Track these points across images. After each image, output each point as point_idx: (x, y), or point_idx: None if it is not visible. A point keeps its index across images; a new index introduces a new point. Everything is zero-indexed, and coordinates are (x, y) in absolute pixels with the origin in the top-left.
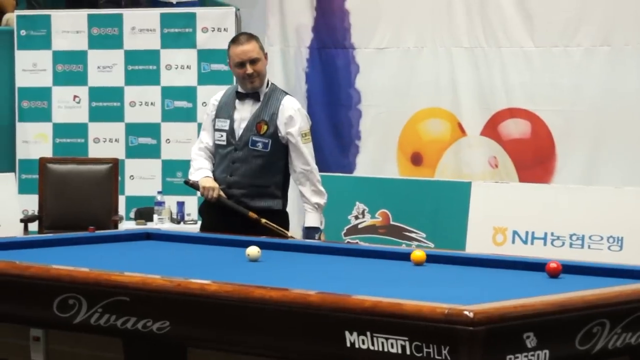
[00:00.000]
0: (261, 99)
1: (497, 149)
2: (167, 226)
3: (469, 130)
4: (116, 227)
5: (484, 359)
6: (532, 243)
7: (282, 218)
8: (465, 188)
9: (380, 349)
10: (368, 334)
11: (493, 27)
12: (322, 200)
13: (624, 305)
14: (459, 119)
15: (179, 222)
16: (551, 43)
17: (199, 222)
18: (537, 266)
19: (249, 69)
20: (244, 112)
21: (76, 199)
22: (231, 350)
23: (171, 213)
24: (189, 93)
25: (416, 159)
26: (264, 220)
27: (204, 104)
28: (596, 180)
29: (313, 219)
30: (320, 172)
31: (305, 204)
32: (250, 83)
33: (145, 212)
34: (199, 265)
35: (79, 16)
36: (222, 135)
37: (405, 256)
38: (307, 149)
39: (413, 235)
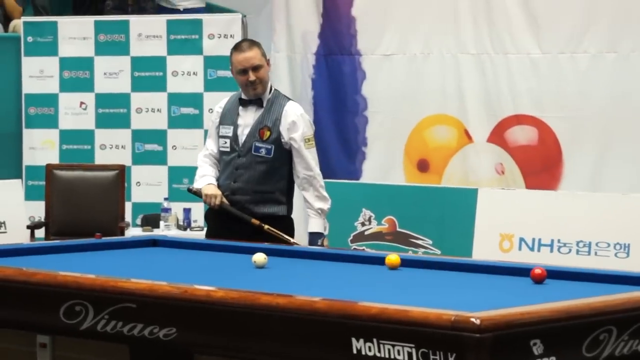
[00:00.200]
0: (264, 105)
1: (503, 155)
2: (173, 233)
3: (475, 137)
4: (123, 233)
5: None
6: (538, 250)
7: (287, 224)
8: (472, 195)
9: (387, 355)
10: (374, 340)
11: (500, 33)
12: (325, 206)
13: (631, 312)
14: (466, 125)
15: (185, 229)
16: (558, 49)
17: (205, 229)
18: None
19: (251, 76)
20: (247, 119)
21: (83, 206)
22: (237, 356)
23: (177, 219)
24: (195, 99)
25: (423, 166)
26: (266, 227)
27: (210, 111)
28: (603, 186)
29: (316, 225)
30: (326, 178)
31: (308, 210)
32: (252, 90)
33: (151, 218)
34: (205, 272)
35: (86, 23)
36: (226, 142)
37: (411, 263)
38: (310, 155)
39: (419, 242)
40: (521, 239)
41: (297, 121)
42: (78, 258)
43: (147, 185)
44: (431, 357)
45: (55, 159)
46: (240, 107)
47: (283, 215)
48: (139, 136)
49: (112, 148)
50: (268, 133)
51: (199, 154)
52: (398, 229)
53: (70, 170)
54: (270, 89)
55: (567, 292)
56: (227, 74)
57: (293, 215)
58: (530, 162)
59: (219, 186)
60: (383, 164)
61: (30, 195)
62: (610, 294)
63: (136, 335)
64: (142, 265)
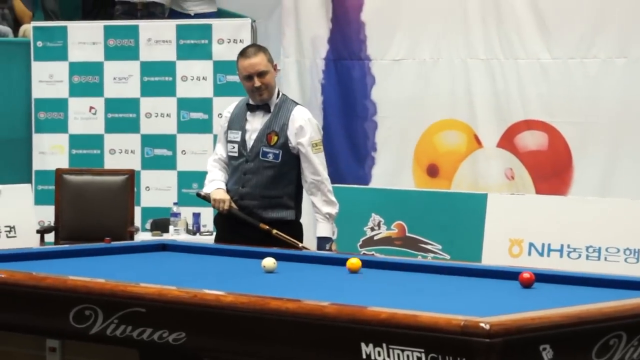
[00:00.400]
0: (272, 110)
1: (513, 160)
2: (183, 237)
3: (485, 142)
4: (132, 238)
5: None
6: (548, 255)
7: (295, 229)
8: (481, 200)
9: None
10: (384, 345)
11: (509, 38)
12: (333, 210)
13: None
14: (475, 130)
15: (194, 233)
16: (568, 55)
17: (215, 234)
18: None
19: (257, 82)
20: (255, 124)
21: (92, 210)
22: None
23: (187, 224)
24: (204, 104)
25: (432, 171)
26: (274, 231)
27: (220, 116)
28: (613, 192)
29: (324, 229)
30: (335, 183)
31: (316, 214)
32: (258, 96)
33: (161, 223)
34: (214, 277)
35: (95, 27)
36: (234, 147)
37: (420, 268)
38: (318, 159)
39: (429, 247)
40: (531, 244)
41: (304, 126)
42: (87, 262)
43: (157, 190)
44: None
45: (64, 164)
46: (248, 112)
47: (291, 220)
48: (149, 141)
49: (121, 153)
50: (275, 138)
51: (209, 159)
52: (407, 234)
53: (79, 174)
54: (278, 94)
55: (579, 297)
56: (237, 78)
57: (302, 220)
58: (540, 167)
59: (227, 191)
60: (392, 169)
61: (40, 199)
62: (620, 299)
63: (145, 340)
64: (151, 270)
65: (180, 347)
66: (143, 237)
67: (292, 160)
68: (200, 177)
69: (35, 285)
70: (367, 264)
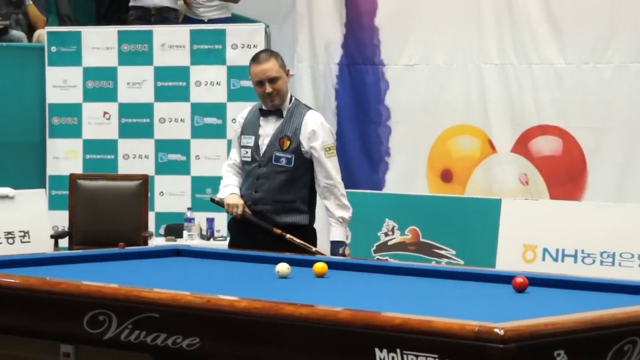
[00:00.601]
0: (284, 115)
1: (527, 166)
2: (196, 242)
3: (499, 147)
4: (146, 243)
5: None
6: (562, 260)
7: (309, 233)
8: (495, 205)
9: None
10: (398, 351)
11: (523, 43)
12: (346, 214)
13: None
14: (489, 135)
15: (208, 239)
16: (582, 60)
17: (228, 239)
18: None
19: (268, 88)
20: (267, 129)
21: (106, 216)
22: None
23: (201, 229)
24: (218, 109)
25: (446, 176)
26: (288, 236)
27: (234, 121)
28: (627, 197)
29: (337, 233)
30: (349, 188)
31: (330, 218)
32: (270, 101)
33: (175, 228)
34: (228, 282)
35: (109, 33)
36: (247, 152)
37: (435, 273)
38: (331, 163)
39: (443, 252)
40: (545, 250)
41: (317, 130)
42: (101, 268)
43: (171, 195)
44: None
45: (78, 169)
46: (261, 118)
47: (305, 224)
48: (162, 146)
49: (135, 158)
50: (288, 142)
51: (224, 164)
52: (421, 239)
53: (93, 180)
54: (291, 99)
55: (592, 303)
56: (251, 83)
57: (316, 225)
58: (555, 173)
59: (241, 196)
60: (406, 174)
61: (53, 204)
62: (635, 305)
63: (159, 345)
64: (165, 275)
65: (194, 353)
66: (157, 242)
67: (304, 165)
68: (214, 182)
69: (49, 290)
70: (381, 269)
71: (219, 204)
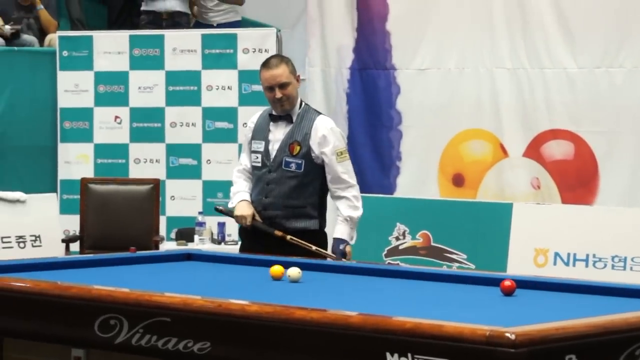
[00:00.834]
0: (294, 120)
1: (539, 170)
2: (207, 247)
3: (511, 152)
4: (157, 247)
5: None
6: (573, 265)
7: (319, 238)
8: (507, 209)
9: None
10: (409, 355)
11: (536, 47)
12: (354, 214)
13: None
14: (501, 140)
15: (219, 243)
16: (594, 64)
17: (240, 243)
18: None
19: (278, 94)
20: (277, 134)
21: (117, 220)
22: None
23: (212, 234)
24: (229, 114)
25: (458, 180)
26: (289, 237)
27: (245, 125)
28: (639, 201)
29: (341, 231)
30: (360, 192)
31: (337, 217)
32: (280, 106)
33: (186, 232)
34: (239, 286)
35: (121, 37)
36: (257, 157)
37: (445, 277)
38: (343, 167)
39: (454, 256)
40: (556, 254)
41: (327, 135)
42: (112, 272)
43: (182, 200)
44: None
45: (89, 173)
46: (271, 123)
47: (315, 229)
48: (174, 150)
49: (146, 162)
50: (298, 148)
51: (234, 169)
52: (432, 244)
53: (105, 184)
54: (301, 104)
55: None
56: (262, 88)
57: (327, 230)
58: (566, 177)
59: (252, 202)
60: (417, 178)
61: (65, 209)
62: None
63: (170, 350)
64: (176, 279)
65: (205, 357)
66: (168, 246)
67: (315, 170)
68: (225, 186)
69: (60, 294)
70: (392, 273)
71: (225, 214)
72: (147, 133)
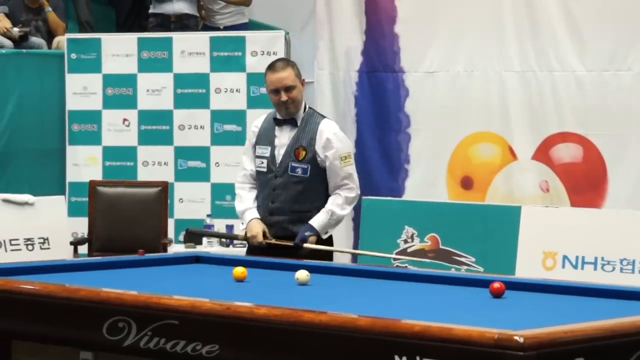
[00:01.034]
0: (299, 124)
1: (548, 173)
2: (216, 249)
3: (520, 154)
4: (165, 250)
5: None
6: (582, 268)
7: (326, 242)
8: (515, 212)
9: None
10: (417, 358)
11: (544, 50)
12: (338, 211)
13: None
14: (510, 142)
15: (228, 245)
16: (602, 67)
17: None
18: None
19: (283, 96)
20: (282, 139)
21: (125, 222)
22: None
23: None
24: (238, 116)
25: (466, 183)
26: (274, 241)
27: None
28: None
29: (317, 219)
30: (369, 195)
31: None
32: (285, 109)
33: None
34: (248, 289)
35: (129, 40)
36: (262, 162)
37: (453, 280)
38: (344, 172)
39: (462, 259)
40: (564, 257)
41: (331, 139)
42: (121, 274)
43: (190, 202)
44: None
45: (98, 176)
46: (276, 127)
47: None
48: (182, 153)
49: (154, 165)
50: (304, 153)
51: (236, 178)
52: (441, 247)
53: (113, 186)
54: (305, 108)
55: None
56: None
57: (336, 234)
58: (575, 180)
59: (257, 206)
60: (426, 181)
61: (73, 211)
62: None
63: (179, 352)
64: (184, 282)
65: None
66: (176, 249)
67: (320, 175)
68: (233, 189)
69: (68, 297)
70: (400, 276)
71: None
72: (156, 136)
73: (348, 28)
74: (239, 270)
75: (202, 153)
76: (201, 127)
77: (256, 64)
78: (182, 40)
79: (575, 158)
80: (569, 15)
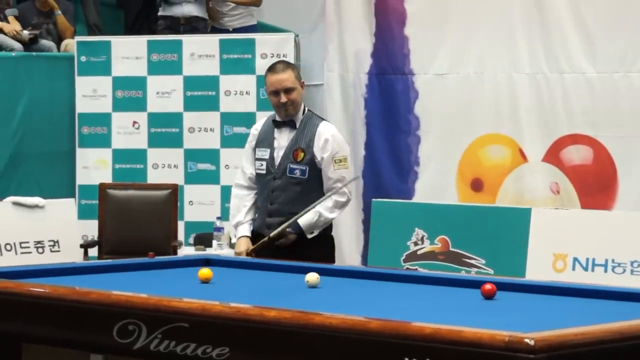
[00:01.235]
0: (297, 126)
1: (558, 175)
2: (226, 252)
3: (530, 157)
4: (175, 252)
5: None
6: (592, 270)
7: (326, 243)
8: (525, 214)
9: None
10: None
11: (554, 52)
12: (325, 214)
13: None
14: (520, 145)
15: None
16: (612, 69)
17: None
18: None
19: (283, 98)
20: (281, 141)
21: (135, 225)
22: None
23: (230, 239)
24: (248, 119)
25: (476, 185)
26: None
27: None
28: None
29: (303, 219)
30: (379, 198)
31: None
32: (284, 111)
33: (204, 237)
34: (258, 291)
35: (139, 42)
36: (262, 165)
37: (464, 283)
38: (337, 175)
39: (472, 261)
40: (575, 259)
41: (329, 140)
42: (131, 277)
43: (200, 205)
44: None
45: (108, 178)
46: (275, 129)
47: (320, 234)
48: (192, 155)
49: (164, 167)
50: (302, 154)
51: (234, 182)
52: (451, 249)
53: (123, 189)
54: (304, 110)
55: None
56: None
57: (334, 234)
58: (586, 182)
59: (257, 208)
60: (436, 183)
61: (83, 214)
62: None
63: (189, 355)
64: (194, 285)
65: None
66: (186, 251)
67: (319, 176)
68: None
69: (78, 300)
70: (410, 279)
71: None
72: (165, 138)
73: (358, 30)
74: (204, 272)
75: (212, 155)
76: (211, 129)
77: (266, 66)
78: (191, 43)
79: (585, 160)
80: (579, 16)
